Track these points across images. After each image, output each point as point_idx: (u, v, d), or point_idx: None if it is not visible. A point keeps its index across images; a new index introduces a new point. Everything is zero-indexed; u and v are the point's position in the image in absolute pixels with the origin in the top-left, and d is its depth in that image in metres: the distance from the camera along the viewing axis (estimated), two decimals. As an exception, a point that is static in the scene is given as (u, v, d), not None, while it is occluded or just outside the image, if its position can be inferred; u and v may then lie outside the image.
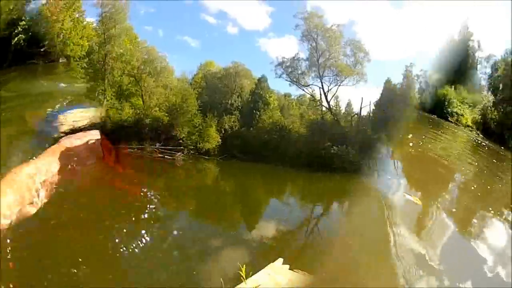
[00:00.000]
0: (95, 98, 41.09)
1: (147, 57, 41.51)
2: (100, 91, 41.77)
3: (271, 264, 7.15)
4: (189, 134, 37.86)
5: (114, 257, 9.28)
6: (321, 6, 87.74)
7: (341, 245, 13.09)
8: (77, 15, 39.18)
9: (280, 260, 7.79)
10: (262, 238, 12.60)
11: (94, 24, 41.68)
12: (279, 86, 79.70)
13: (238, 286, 4.62)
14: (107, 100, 41.61)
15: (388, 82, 41.42)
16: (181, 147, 36.26)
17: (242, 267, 4.13)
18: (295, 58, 43.10)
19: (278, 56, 45.66)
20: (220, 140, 38.86)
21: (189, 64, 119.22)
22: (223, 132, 39.89)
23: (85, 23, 40.32)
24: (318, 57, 40.98)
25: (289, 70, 43.21)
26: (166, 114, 38.42)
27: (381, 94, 41.41)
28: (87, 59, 39.45)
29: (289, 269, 7.34)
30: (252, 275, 5.96)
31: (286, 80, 43.88)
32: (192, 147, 37.22)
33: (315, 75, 42.41)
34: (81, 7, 39.84)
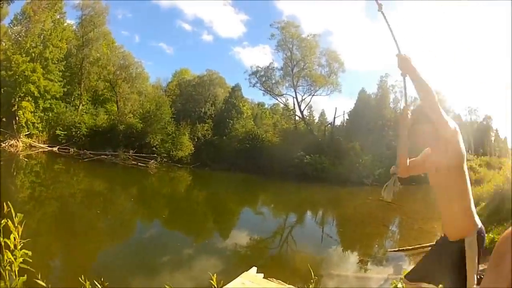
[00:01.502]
0: (71, 102, 40.41)
1: (123, 63, 41.18)
2: (76, 95, 41.12)
3: (245, 272, 7.04)
4: (162, 142, 37.57)
5: (87, 264, 9.02)
6: (297, 15, 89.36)
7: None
8: (58, 16, 38.41)
9: (254, 268, 7.70)
10: (236, 247, 12.45)
11: (74, 27, 41.17)
12: (253, 95, 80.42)
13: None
14: (83, 105, 40.97)
15: (362, 92, 41.90)
16: (154, 155, 35.87)
17: (213, 276, 4.04)
18: (270, 67, 43.31)
19: (253, 65, 45.96)
20: (193, 148, 38.68)
21: (163, 70, 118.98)
22: (196, 140, 39.69)
23: (65, 24, 39.62)
24: (292, 67, 41.31)
25: (263, 79, 43.33)
26: (140, 121, 38.06)
27: (355, 104, 41.86)
28: (65, 62, 38.68)
29: (264, 277, 7.26)
30: (225, 284, 5.87)
31: (260, 89, 44.00)
32: (165, 155, 36.93)
33: (289, 85, 42.69)
34: (63, 8, 39.21)
